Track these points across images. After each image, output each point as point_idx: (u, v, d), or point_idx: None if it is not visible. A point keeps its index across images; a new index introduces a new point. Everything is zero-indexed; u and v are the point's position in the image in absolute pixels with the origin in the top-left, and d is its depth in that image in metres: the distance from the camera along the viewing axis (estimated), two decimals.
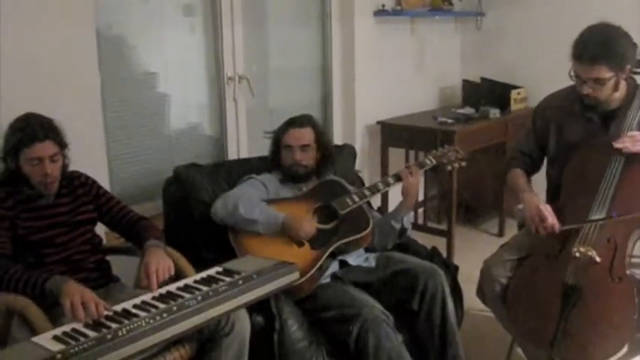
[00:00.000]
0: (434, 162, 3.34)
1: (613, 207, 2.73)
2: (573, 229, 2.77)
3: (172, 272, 2.58)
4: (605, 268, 2.71)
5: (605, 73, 2.71)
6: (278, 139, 3.25)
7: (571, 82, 2.98)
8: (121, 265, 2.92)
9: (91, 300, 2.26)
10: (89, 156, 2.75)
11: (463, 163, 3.40)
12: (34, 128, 2.53)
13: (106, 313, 2.27)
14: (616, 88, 2.79)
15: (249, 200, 2.98)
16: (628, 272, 2.71)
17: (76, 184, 2.76)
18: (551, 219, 2.79)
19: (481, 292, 3.04)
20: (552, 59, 3.05)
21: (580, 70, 2.76)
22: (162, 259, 2.58)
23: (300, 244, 2.95)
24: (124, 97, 3.56)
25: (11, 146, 2.54)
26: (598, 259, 2.68)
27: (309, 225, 2.99)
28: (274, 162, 3.28)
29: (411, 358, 2.77)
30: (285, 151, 3.22)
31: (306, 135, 3.20)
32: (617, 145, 2.76)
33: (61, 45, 3.05)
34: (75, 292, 2.27)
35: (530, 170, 3.17)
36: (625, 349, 2.68)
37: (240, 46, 3.99)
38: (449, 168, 3.39)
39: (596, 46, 2.69)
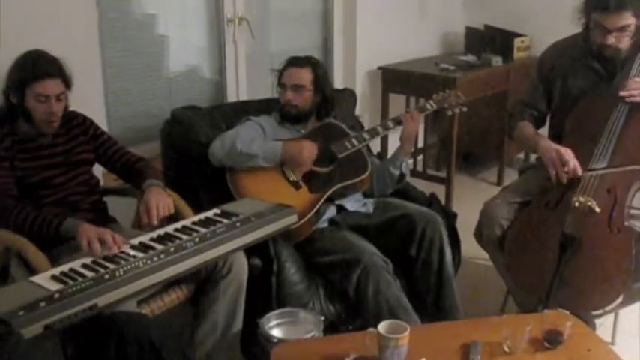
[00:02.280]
0: (434, 106, 3.31)
1: (614, 156, 2.73)
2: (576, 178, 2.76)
3: (172, 210, 2.59)
4: (604, 219, 2.71)
5: (630, 19, 2.70)
6: (278, 78, 3.20)
7: (576, 31, 2.95)
8: (119, 207, 2.92)
9: (107, 234, 2.31)
10: (86, 97, 2.72)
11: (464, 108, 3.37)
12: (46, 64, 2.51)
13: (124, 247, 2.32)
14: (632, 35, 2.76)
15: (247, 138, 2.95)
16: (626, 224, 2.71)
17: (74, 124, 2.73)
18: (573, 162, 2.77)
19: (479, 234, 3.04)
20: (557, 8, 3.02)
21: (606, 20, 2.72)
22: (162, 197, 2.59)
23: (298, 186, 2.95)
24: (122, 39, 3.51)
25: (18, 80, 2.50)
26: (597, 209, 2.68)
27: (308, 145, 2.97)
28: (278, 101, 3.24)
29: (409, 304, 2.78)
30: (280, 89, 3.18)
31: (303, 75, 3.14)
32: (623, 92, 2.74)
33: None
34: (91, 230, 2.34)
35: (537, 123, 3.15)
36: (620, 299, 2.70)
37: None
38: (449, 113, 3.37)
39: None
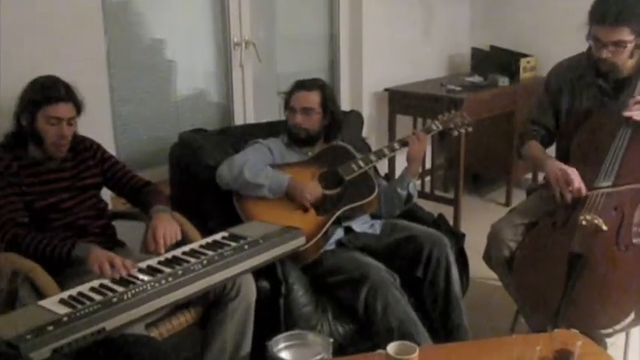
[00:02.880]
0: (440, 127, 3.31)
1: (619, 175, 2.72)
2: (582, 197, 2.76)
3: (179, 237, 2.60)
4: (611, 237, 2.70)
5: (627, 36, 2.70)
6: (286, 101, 3.22)
7: (581, 50, 2.96)
8: (127, 231, 2.92)
9: (117, 258, 2.34)
10: (95, 121, 2.74)
11: (470, 128, 3.36)
12: (60, 88, 2.55)
13: (133, 271, 2.34)
14: (632, 54, 2.77)
15: (255, 164, 2.97)
16: (635, 241, 2.70)
17: (81, 148, 2.75)
18: (578, 182, 2.77)
19: (488, 257, 3.04)
20: (562, 27, 3.03)
21: (601, 32, 2.73)
22: (169, 224, 2.59)
23: (306, 209, 2.95)
24: (131, 64, 3.55)
25: (31, 102, 2.54)
26: (605, 227, 2.67)
27: (313, 187, 2.98)
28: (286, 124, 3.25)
29: (417, 318, 2.77)
30: (289, 113, 3.19)
31: (311, 98, 3.15)
32: (626, 113, 2.75)
33: (66, 9, 3.04)
34: (101, 254, 2.36)
35: (545, 141, 3.15)
36: (631, 317, 2.68)
37: (247, 11, 3.96)
38: (455, 133, 3.37)
39: (619, 7, 2.66)
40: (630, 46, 2.73)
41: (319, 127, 3.20)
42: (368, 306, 2.74)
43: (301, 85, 3.19)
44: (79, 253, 2.39)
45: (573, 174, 2.79)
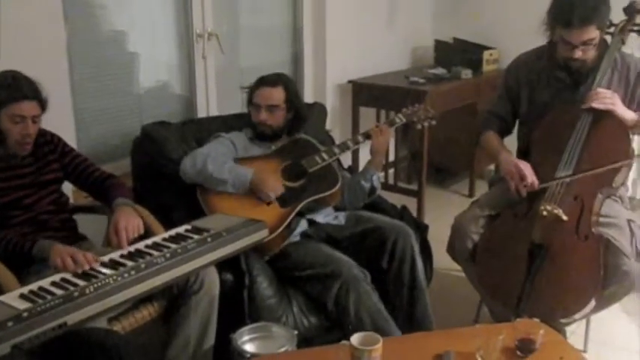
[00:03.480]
0: (404, 120, 3.33)
1: (579, 164, 2.76)
2: (542, 187, 2.80)
3: (142, 230, 2.57)
4: (571, 227, 2.75)
5: (594, 33, 2.75)
6: (250, 98, 3.20)
7: (543, 43, 3.00)
8: (89, 224, 2.89)
9: (78, 252, 2.31)
10: (55, 115, 2.69)
11: (433, 122, 3.39)
12: (24, 86, 2.49)
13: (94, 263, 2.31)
14: (596, 47, 2.81)
15: (218, 158, 2.95)
16: (594, 230, 2.74)
17: (42, 142, 2.70)
18: (531, 177, 2.81)
19: (451, 249, 3.06)
20: (525, 20, 3.04)
21: (570, 35, 2.76)
22: (131, 217, 2.56)
23: (269, 202, 2.94)
24: (91, 56, 3.49)
25: None
26: (565, 217, 2.72)
27: (274, 182, 2.97)
28: (249, 119, 3.23)
29: (387, 313, 2.79)
30: (253, 109, 3.17)
31: (276, 95, 3.14)
32: (585, 106, 2.79)
33: (24, 1, 2.97)
34: (63, 249, 2.33)
35: (503, 132, 3.19)
36: (591, 306, 2.73)
37: (210, 3, 3.92)
38: (419, 126, 3.39)
39: (583, 8, 2.70)
40: (596, 40, 2.78)
41: (284, 123, 3.19)
42: (339, 302, 2.75)
43: (265, 82, 3.17)
44: (40, 249, 2.36)
45: (526, 169, 2.83)
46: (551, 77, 2.97)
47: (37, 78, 2.56)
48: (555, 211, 2.71)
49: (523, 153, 3.06)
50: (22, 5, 2.96)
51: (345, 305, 2.74)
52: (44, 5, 3.07)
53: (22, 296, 2.12)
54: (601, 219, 2.80)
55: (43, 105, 2.56)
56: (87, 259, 2.29)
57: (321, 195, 3.03)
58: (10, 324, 1.91)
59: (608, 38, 2.93)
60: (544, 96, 3.00)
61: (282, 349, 2.40)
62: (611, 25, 2.90)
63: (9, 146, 2.54)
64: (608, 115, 2.79)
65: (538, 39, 3.00)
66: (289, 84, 3.22)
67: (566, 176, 2.77)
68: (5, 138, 2.51)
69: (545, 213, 2.72)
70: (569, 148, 2.80)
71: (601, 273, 2.68)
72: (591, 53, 2.82)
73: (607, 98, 2.77)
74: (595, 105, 2.77)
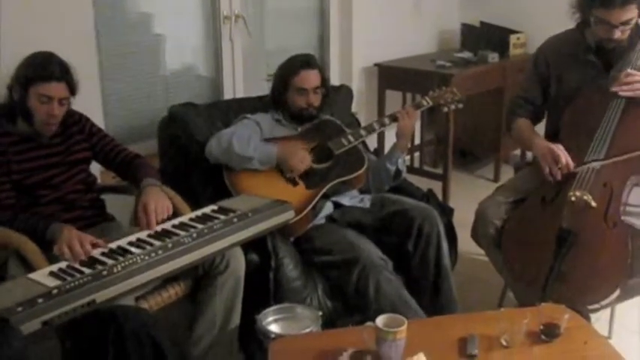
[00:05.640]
0: (430, 103, 3.30)
1: (610, 149, 2.74)
2: (572, 173, 2.77)
3: (171, 211, 2.58)
4: (600, 213, 2.72)
5: (634, 12, 2.72)
6: (286, 80, 3.17)
7: (571, 27, 2.96)
8: (117, 204, 2.92)
9: (75, 240, 2.28)
10: (84, 96, 2.70)
11: (460, 105, 3.36)
12: (54, 66, 2.51)
13: (100, 249, 2.31)
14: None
15: (243, 137, 2.96)
16: (622, 218, 2.72)
17: (70, 122, 2.73)
18: (565, 158, 2.78)
19: (475, 234, 3.05)
20: (552, 4, 3.02)
21: (611, 15, 2.72)
22: (160, 199, 2.58)
23: (295, 183, 2.95)
24: (119, 38, 3.52)
25: (25, 77, 2.50)
26: (594, 203, 2.69)
27: (302, 155, 2.98)
28: (279, 102, 3.21)
29: (411, 299, 2.79)
30: (297, 94, 3.15)
31: (318, 76, 3.16)
32: (614, 88, 2.75)
33: None
34: (64, 238, 2.31)
35: (534, 118, 3.16)
36: (616, 294, 2.71)
37: None
38: (445, 109, 3.37)
39: None
40: (635, 20, 2.75)
41: (321, 103, 3.22)
42: (359, 289, 2.75)
43: (307, 64, 3.17)
44: (50, 235, 2.35)
45: (560, 151, 2.80)
46: (582, 60, 2.93)
47: (64, 58, 2.57)
48: (585, 197, 2.68)
49: (552, 138, 3.03)
50: None
51: (365, 292, 2.74)
52: None
53: (52, 274, 2.15)
54: (628, 208, 2.77)
55: (72, 88, 2.58)
56: (85, 250, 2.27)
57: (348, 177, 3.03)
58: (40, 301, 1.94)
59: None
60: (574, 79, 2.96)
61: (307, 330, 2.41)
62: None
63: (34, 125, 2.56)
64: None
65: (566, 22, 2.96)
66: (320, 65, 3.24)
67: (598, 160, 2.74)
68: (31, 116, 2.54)
69: (573, 199, 2.69)
70: (600, 133, 2.76)
71: (628, 261, 2.65)
72: (627, 33, 2.78)
73: (637, 81, 2.73)
74: (624, 93, 2.74)
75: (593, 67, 2.92)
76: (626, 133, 2.76)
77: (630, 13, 2.71)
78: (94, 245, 2.32)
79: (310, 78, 3.14)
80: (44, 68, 2.49)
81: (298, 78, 3.14)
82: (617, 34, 2.76)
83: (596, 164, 2.74)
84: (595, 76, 2.91)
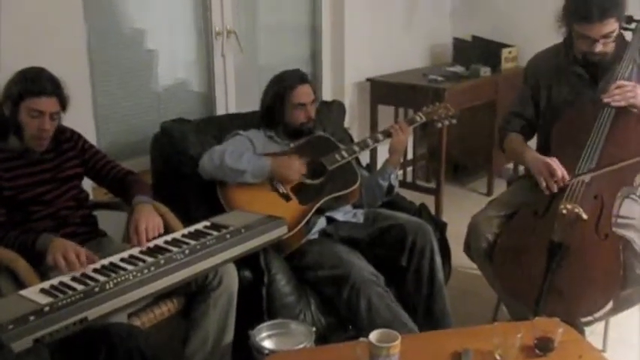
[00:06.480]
0: (424, 119, 3.31)
1: (601, 160, 2.74)
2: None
3: (162, 230, 2.58)
4: (591, 225, 2.72)
5: (614, 25, 2.73)
6: (282, 97, 3.15)
7: (560, 40, 2.98)
8: (109, 220, 2.91)
9: (71, 250, 2.29)
10: (76, 111, 2.70)
11: (453, 121, 3.36)
12: (45, 81, 2.51)
13: (92, 265, 2.29)
14: (615, 38, 2.79)
15: (235, 151, 2.96)
16: (614, 230, 2.72)
17: (62, 139, 2.72)
18: (560, 171, 2.78)
19: (468, 248, 3.05)
20: (544, 18, 3.02)
21: (589, 29, 2.74)
22: (151, 217, 2.57)
23: (288, 198, 2.95)
24: (111, 54, 3.52)
25: (16, 92, 2.49)
26: (585, 216, 2.69)
27: (298, 164, 2.98)
28: (273, 119, 3.19)
29: (404, 314, 2.78)
30: (296, 110, 3.14)
31: (311, 90, 3.19)
32: (606, 99, 2.76)
33: (46, 1, 3.01)
34: (58, 248, 2.30)
35: (527, 133, 3.16)
36: (610, 306, 2.71)
37: (229, 1, 3.94)
38: (439, 125, 3.37)
39: (601, 0, 2.68)
40: (616, 32, 2.77)
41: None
42: (351, 305, 2.74)
43: (303, 79, 3.18)
44: (40, 246, 2.35)
45: (555, 164, 2.80)
46: (570, 74, 2.95)
47: (57, 75, 2.57)
48: (576, 210, 2.69)
49: (543, 150, 3.04)
50: (43, 5, 2.99)
51: (357, 308, 2.73)
52: (65, 5, 3.10)
53: (43, 291, 2.13)
54: (619, 220, 2.78)
55: (63, 103, 2.57)
56: (80, 260, 2.27)
57: (341, 193, 3.03)
58: (31, 318, 1.93)
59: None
60: (563, 93, 2.98)
61: (301, 346, 2.40)
62: (632, 20, 2.89)
63: (25, 140, 2.55)
64: (630, 109, 2.76)
65: (557, 36, 2.98)
66: (312, 79, 3.25)
67: (590, 170, 2.74)
68: (22, 131, 2.53)
69: (565, 212, 2.70)
70: (590, 145, 2.77)
71: (621, 272, 2.66)
72: (611, 46, 2.80)
73: (628, 91, 2.74)
74: (615, 103, 2.75)
75: (581, 80, 2.94)
76: (615, 143, 2.77)
77: (609, 27, 2.72)
78: (89, 260, 2.31)
79: (306, 92, 3.15)
80: (35, 83, 2.49)
81: (295, 93, 3.14)
82: (599, 47, 2.77)
83: (586, 176, 2.75)
84: (584, 89, 2.93)
